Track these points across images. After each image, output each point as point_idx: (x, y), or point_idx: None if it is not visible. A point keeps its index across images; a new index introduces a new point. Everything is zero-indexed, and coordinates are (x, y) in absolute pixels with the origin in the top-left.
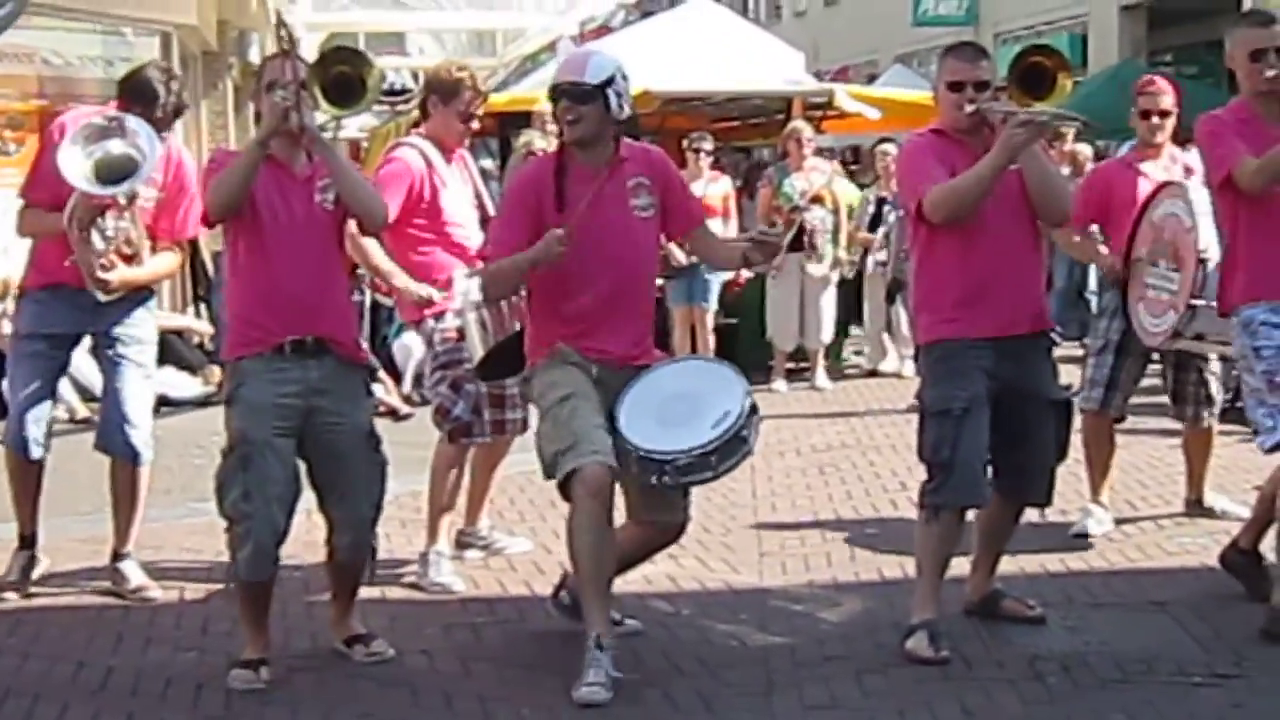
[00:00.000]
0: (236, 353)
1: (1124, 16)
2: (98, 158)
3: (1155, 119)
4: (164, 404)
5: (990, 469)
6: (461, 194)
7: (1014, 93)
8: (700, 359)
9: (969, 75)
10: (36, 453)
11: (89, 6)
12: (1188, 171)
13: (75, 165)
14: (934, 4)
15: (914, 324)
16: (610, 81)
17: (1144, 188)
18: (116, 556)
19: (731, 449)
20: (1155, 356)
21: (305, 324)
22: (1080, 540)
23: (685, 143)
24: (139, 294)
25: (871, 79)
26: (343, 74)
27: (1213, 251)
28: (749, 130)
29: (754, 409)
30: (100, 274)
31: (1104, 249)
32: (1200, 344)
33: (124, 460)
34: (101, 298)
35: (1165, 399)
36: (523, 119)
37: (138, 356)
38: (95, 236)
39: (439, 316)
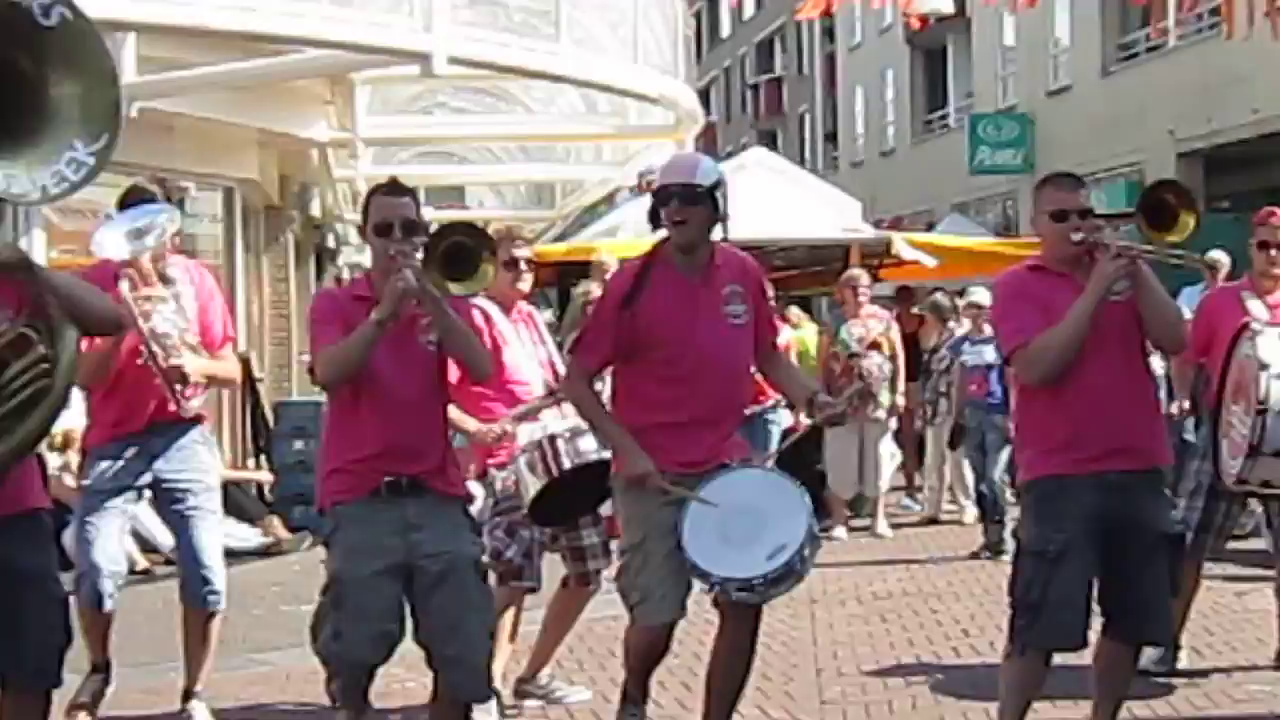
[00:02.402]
0: (334, 499)
1: (1181, 163)
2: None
3: (1274, 251)
4: (226, 555)
5: (1103, 611)
6: (525, 351)
7: (1141, 226)
8: (772, 473)
9: (1072, 203)
10: (110, 605)
11: (152, 162)
12: None
13: (112, 243)
14: (990, 154)
15: (1015, 462)
16: (718, 185)
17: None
18: (187, 696)
19: (783, 578)
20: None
21: (402, 464)
22: (1153, 680)
23: None
24: (199, 432)
25: (929, 227)
26: (459, 245)
27: (1274, 402)
28: (807, 279)
29: (814, 537)
30: (174, 360)
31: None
32: (1269, 489)
33: (201, 609)
34: (187, 405)
35: (1232, 544)
36: (581, 269)
37: (206, 504)
38: (159, 321)
39: (501, 466)
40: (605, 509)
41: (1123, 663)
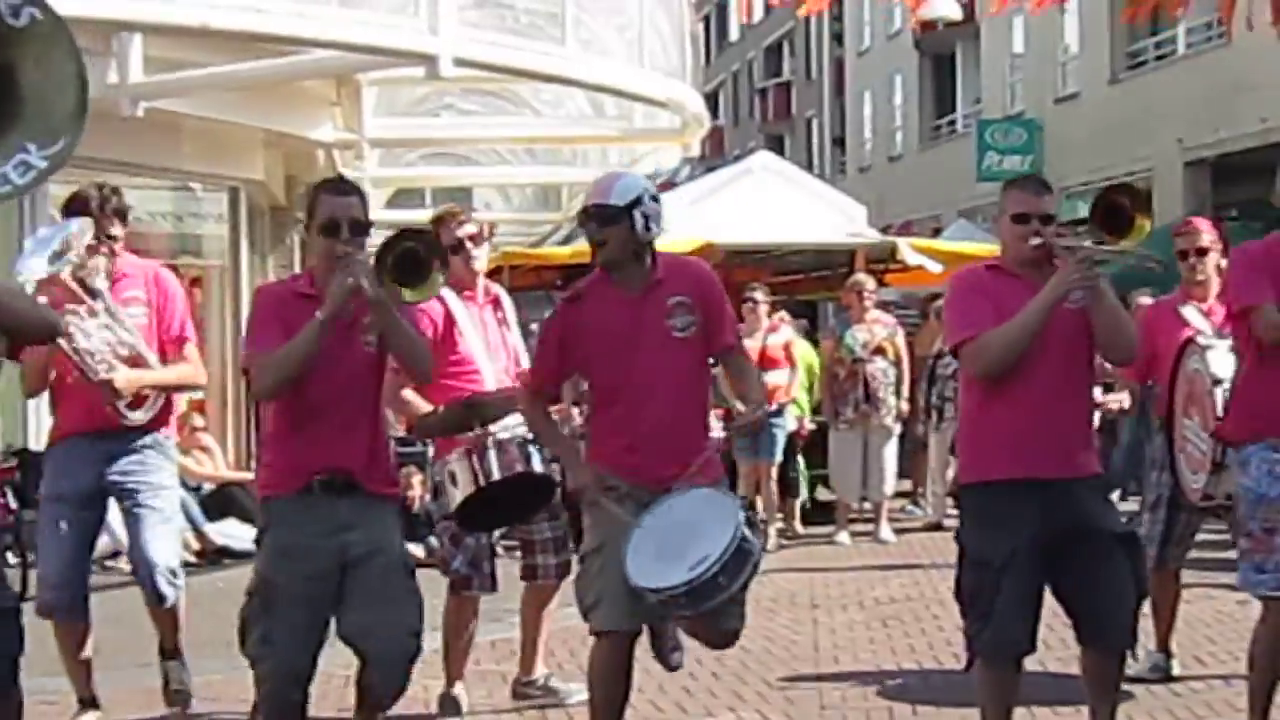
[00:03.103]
0: (265, 493)
1: (1188, 172)
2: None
3: (1193, 258)
4: (226, 555)
5: (1069, 618)
6: (488, 338)
7: (1093, 231)
8: (715, 491)
9: (1034, 207)
10: (62, 617)
11: (158, 163)
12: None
13: (36, 268)
14: (998, 160)
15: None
16: (637, 202)
17: (1186, 332)
18: (164, 653)
19: (706, 590)
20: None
21: (335, 463)
22: (1143, 685)
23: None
24: (151, 437)
25: (936, 233)
26: (411, 251)
27: None
28: (812, 283)
29: (742, 551)
30: (104, 374)
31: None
32: (1233, 502)
33: (154, 604)
34: (128, 416)
35: (1233, 554)
36: (588, 271)
37: (153, 502)
38: (81, 338)
39: (435, 462)
40: None
41: (1104, 668)
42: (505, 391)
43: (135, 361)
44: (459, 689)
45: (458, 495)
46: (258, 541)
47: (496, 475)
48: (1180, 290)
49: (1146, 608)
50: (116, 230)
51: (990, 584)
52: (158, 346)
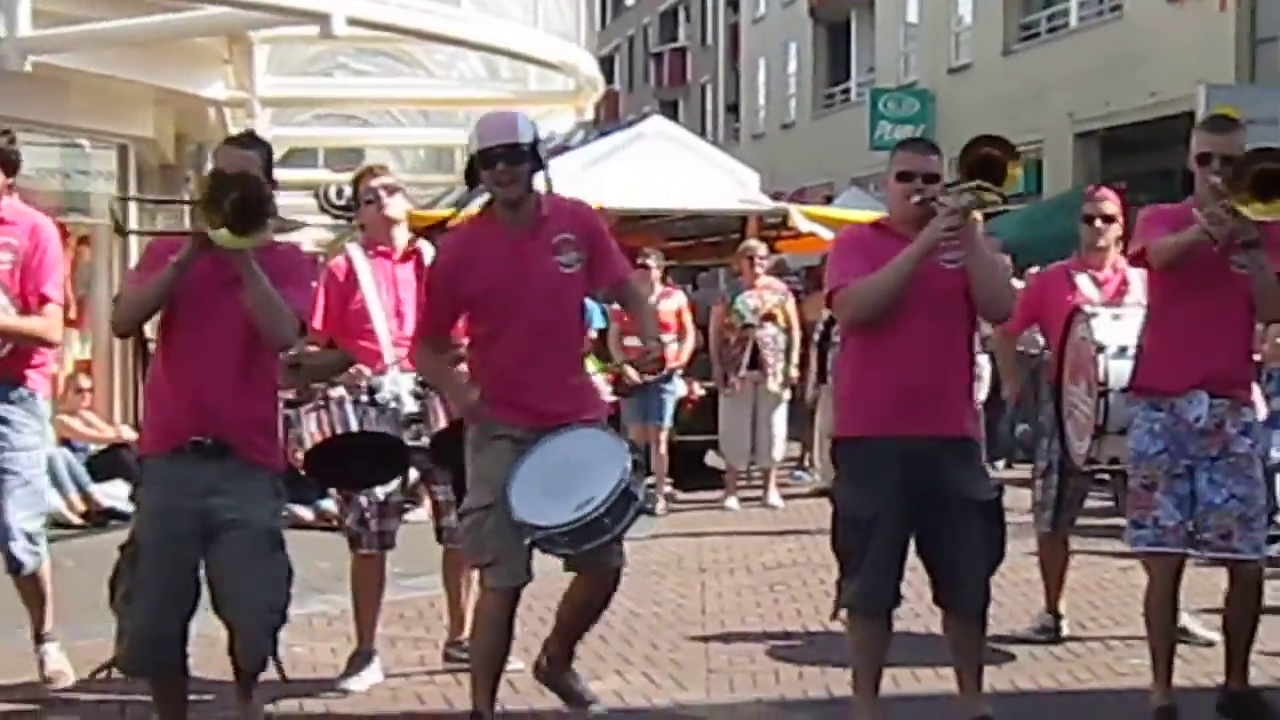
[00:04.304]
0: (143, 451)
1: (1078, 144)
2: None
3: (1098, 223)
4: (113, 516)
5: (929, 578)
6: (380, 296)
7: (963, 180)
8: (604, 431)
9: (919, 166)
10: None
11: (47, 119)
12: (1124, 284)
13: None
14: (891, 129)
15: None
16: (537, 140)
17: (1076, 299)
18: (39, 639)
19: (590, 530)
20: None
21: (208, 425)
22: (1026, 648)
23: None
24: (18, 391)
25: (828, 201)
26: (243, 199)
27: (1114, 382)
28: (704, 249)
29: (628, 494)
30: None
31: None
32: (1118, 466)
33: (12, 571)
34: None
35: (1119, 520)
36: None
37: (12, 465)
38: None
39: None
40: None
41: (965, 630)
42: (329, 352)
43: None
44: (372, 648)
45: (298, 454)
46: (132, 498)
47: (316, 435)
48: (1077, 256)
49: (1037, 573)
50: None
51: (860, 539)
52: (20, 297)
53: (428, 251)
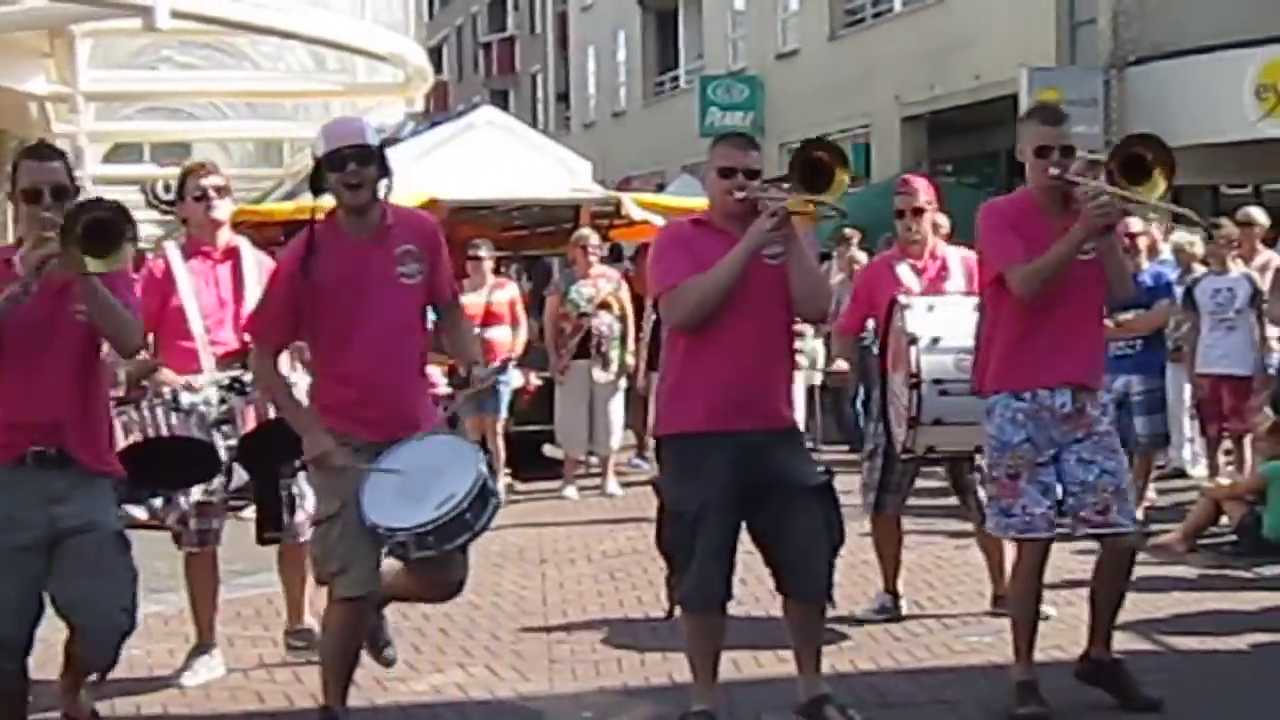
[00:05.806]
0: None
1: (905, 127)
2: None
3: (908, 216)
4: None
5: (768, 568)
6: (197, 298)
7: (794, 188)
8: (453, 436)
9: (740, 162)
10: None
11: None
12: (943, 270)
13: None
14: (721, 116)
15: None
16: (384, 144)
17: (897, 290)
18: None
19: (454, 528)
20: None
21: (48, 435)
22: (864, 628)
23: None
24: None
25: (660, 188)
26: (99, 220)
27: (926, 373)
28: (538, 239)
29: (486, 490)
30: None
31: (843, 364)
32: (934, 454)
33: None
34: None
35: (954, 500)
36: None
37: None
38: None
39: None
40: None
41: (803, 616)
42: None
43: None
44: (211, 642)
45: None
46: None
47: (151, 434)
48: (896, 247)
49: (874, 554)
50: None
51: (687, 534)
52: None
53: (246, 249)
